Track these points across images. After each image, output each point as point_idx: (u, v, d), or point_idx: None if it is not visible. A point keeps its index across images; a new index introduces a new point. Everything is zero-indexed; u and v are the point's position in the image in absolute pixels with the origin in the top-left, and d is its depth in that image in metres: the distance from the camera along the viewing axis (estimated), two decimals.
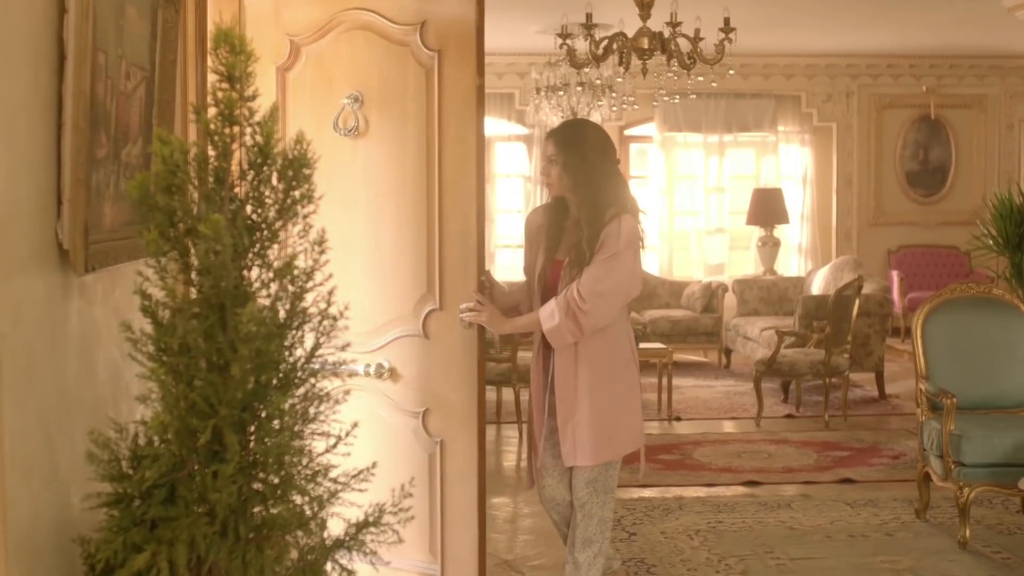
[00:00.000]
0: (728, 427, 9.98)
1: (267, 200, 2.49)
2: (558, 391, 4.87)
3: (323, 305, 2.54)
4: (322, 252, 2.52)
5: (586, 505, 4.94)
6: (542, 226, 5.02)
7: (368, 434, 4.83)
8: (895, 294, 13.83)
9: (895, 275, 14.61)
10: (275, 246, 2.53)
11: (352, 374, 4.66)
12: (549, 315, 4.75)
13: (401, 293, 4.82)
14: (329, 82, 4.92)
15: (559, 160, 4.85)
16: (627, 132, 15.51)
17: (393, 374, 4.81)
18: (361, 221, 4.83)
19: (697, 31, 9.35)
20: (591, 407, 4.84)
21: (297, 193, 2.49)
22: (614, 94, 11.68)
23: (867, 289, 10.91)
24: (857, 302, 10.20)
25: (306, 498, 2.48)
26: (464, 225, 4.76)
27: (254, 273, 2.47)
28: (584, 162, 4.82)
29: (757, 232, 14.51)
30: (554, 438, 4.95)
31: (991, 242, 10.18)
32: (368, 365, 4.74)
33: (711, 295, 13.12)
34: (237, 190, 2.49)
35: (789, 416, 10.32)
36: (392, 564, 4.82)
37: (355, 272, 4.75)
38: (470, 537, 4.79)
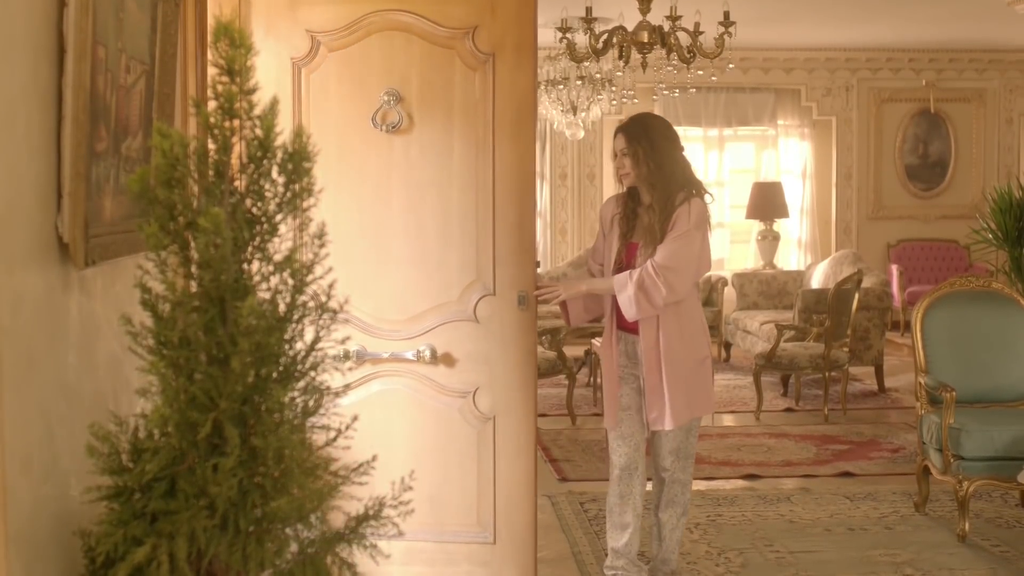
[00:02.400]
0: (728, 421, 9.98)
1: (267, 194, 2.49)
2: (645, 363, 5.27)
3: (322, 298, 2.54)
4: (322, 245, 2.52)
5: (671, 471, 5.43)
6: (616, 214, 5.44)
7: (408, 416, 5.09)
8: (894, 288, 13.83)
9: (894, 269, 14.62)
10: (275, 239, 2.53)
11: (399, 359, 5.11)
12: (623, 284, 5.17)
13: (447, 281, 5.10)
14: (359, 79, 5.08)
15: (630, 152, 5.28)
16: None
17: (444, 358, 5.12)
18: (400, 212, 5.08)
19: (697, 25, 9.35)
20: (673, 376, 5.25)
21: (297, 186, 2.49)
22: (614, 88, 11.69)
23: (866, 283, 10.91)
24: (856, 296, 10.20)
25: (306, 491, 2.48)
26: (520, 217, 5.11)
27: (254, 266, 2.48)
28: (653, 151, 5.25)
29: (757, 226, 14.51)
30: (631, 408, 5.37)
31: (990, 236, 10.19)
32: (421, 350, 5.08)
33: (711, 289, 13.11)
34: (237, 184, 2.49)
35: (788, 410, 10.32)
36: (445, 538, 5.10)
37: (394, 261, 5.03)
38: (526, 509, 5.16)
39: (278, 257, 2.49)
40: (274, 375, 2.44)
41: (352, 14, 5.14)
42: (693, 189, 5.28)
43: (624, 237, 5.38)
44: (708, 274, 13.68)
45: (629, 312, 5.17)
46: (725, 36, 9.21)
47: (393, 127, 5.08)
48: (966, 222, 13.28)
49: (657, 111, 14.74)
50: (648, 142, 5.26)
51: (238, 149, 2.50)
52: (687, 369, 5.30)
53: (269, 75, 4.88)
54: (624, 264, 5.33)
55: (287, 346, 2.48)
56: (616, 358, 5.41)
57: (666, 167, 5.24)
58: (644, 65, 9.72)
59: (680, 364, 5.28)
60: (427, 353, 5.09)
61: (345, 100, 5.14)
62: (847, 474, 7.92)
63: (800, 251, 15.32)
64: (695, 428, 5.47)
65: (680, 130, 15.65)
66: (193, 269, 2.45)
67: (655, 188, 5.25)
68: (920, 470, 6.90)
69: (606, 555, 5.59)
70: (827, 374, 10.08)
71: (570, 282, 5.31)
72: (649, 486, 5.58)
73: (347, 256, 5.00)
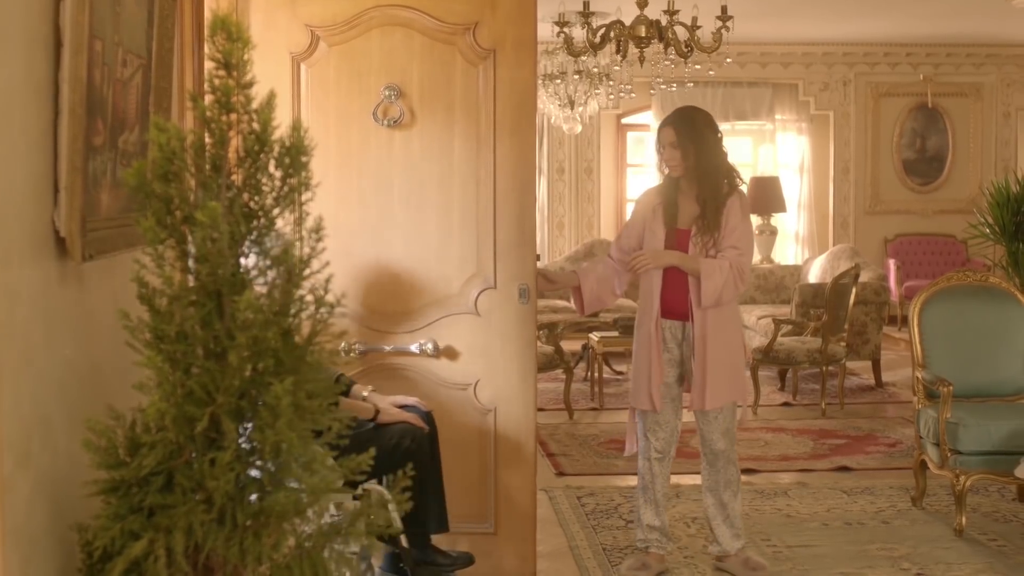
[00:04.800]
0: None
1: (264, 188, 2.49)
2: (697, 347, 5.49)
3: (319, 292, 2.54)
4: (319, 240, 2.52)
5: (725, 451, 5.71)
6: (658, 204, 5.59)
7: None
8: (892, 282, 13.83)
9: (892, 263, 14.62)
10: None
11: (402, 352, 5.21)
12: (716, 269, 5.43)
13: (448, 274, 5.16)
14: (359, 74, 5.13)
15: (680, 145, 5.48)
16: (624, 120, 15.53)
17: (446, 351, 5.23)
18: (400, 206, 5.11)
19: (694, 19, 9.34)
20: (721, 359, 5.54)
21: (294, 180, 2.49)
22: (611, 82, 11.69)
23: (864, 277, 10.91)
24: (854, 290, 10.21)
25: (303, 485, 2.48)
26: (521, 210, 5.20)
27: (251, 260, 2.47)
28: (701, 144, 5.50)
29: (754, 220, 14.51)
30: (672, 393, 5.65)
31: (988, 230, 10.18)
32: (423, 344, 5.20)
33: None
34: (234, 178, 2.49)
35: (786, 404, 10.33)
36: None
37: (395, 255, 5.07)
38: (526, 498, 5.30)
39: (275, 251, 2.49)
40: (271, 369, 2.44)
41: (352, 9, 5.17)
42: (735, 178, 5.63)
43: (669, 223, 5.54)
44: None
45: (712, 298, 5.44)
46: (722, 30, 9.21)
47: (394, 122, 5.13)
48: (963, 216, 13.30)
49: (655, 105, 14.76)
50: (697, 135, 5.51)
51: (235, 143, 2.49)
52: (731, 353, 5.61)
53: (267, 69, 4.90)
54: (679, 247, 5.51)
55: (284, 340, 2.48)
56: (660, 343, 5.58)
57: (712, 159, 5.52)
58: (641, 59, 9.71)
59: (726, 348, 5.57)
60: (429, 347, 5.14)
61: (345, 95, 5.18)
62: (844, 468, 7.92)
63: (798, 245, 15.32)
64: (737, 410, 5.78)
65: None
66: (190, 263, 2.45)
67: (703, 179, 5.49)
68: (917, 464, 6.91)
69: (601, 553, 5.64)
70: (824, 368, 10.08)
71: (659, 252, 5.50)
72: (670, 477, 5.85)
73: (347, 251, 5.03)
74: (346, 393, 4.94)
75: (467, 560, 5.07)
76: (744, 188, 5.66)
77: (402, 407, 4.96)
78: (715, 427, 5.65)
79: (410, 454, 4.74)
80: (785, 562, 5.91)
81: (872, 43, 14.97)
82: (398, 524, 4.59)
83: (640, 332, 5.64)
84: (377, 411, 4.80)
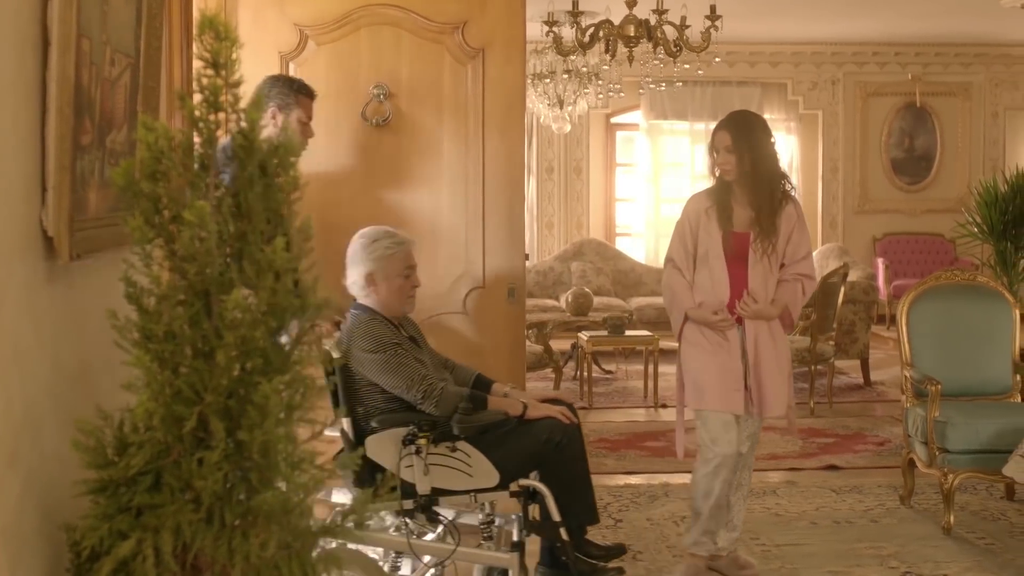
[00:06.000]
0: None
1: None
2: (764, 353, 5.48)
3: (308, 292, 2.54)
4: (307, 239, 2.52)
5: (746, 456, 5.66)
6: (711, 206, 5.50)
7: None
8: (880, 281, 13.86)
9: (880, 262, 14.65)
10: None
11: None
12: (801, 296, 5.57)
13: (437, 273, 5.14)
14: (347, 73, 5.13)
15: (735, 150, 5.39)
16: (613, 120, 15.53)
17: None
18: (389, 205, 5.08)
19: (683, 19, 9.35)
20: (782, 364, 5.57)
21: (281, 180, 2.49)
22: (600, 82, 11.70)
23: (852, 276, 10.93)
24: (842, 289, 10.22)
25: (291, 484, 2.48)
26: (510, 210, 5.17)
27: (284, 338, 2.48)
28: (757, 149, 5.42)
29: None
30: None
31: (976, 230, 10.20)
32: None
33: None
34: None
35: None
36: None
37: None
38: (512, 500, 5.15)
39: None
40: (260, 368, 2.43)
41: (341, 8, 5.18)
42: (786, 183, 5.57)
43: (724, 226, 5.48)
44: None
45: (798, 314, 5.69)
46: (711, 30, 9.22)
47: (383, 121, 5.14)
48: (952, 216, 13.32)
49: (643, 104, 14.79)
50: (754, 140, 5.44)
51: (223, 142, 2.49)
52: (784, 358, 5.63)
53: (256, 69, 4.90)
54: (735, 251, 5.47)
55: (272, 339, 2.48)
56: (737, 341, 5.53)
57: (768, 164, 5.46)
58: (631, 59, 9.72)
59: (783, 354, 5.61)
60: None
61: (333, 94, 5.18)
62: (833, 467, 7.94)
63: None
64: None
65: (666, 124, 15.73)
66: (178, 262, 2.45)
67: (757, 184, 5.43)
68: (905, 463, 6.92)
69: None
70: (813, 367, 10.10)
71: (762, 308, 5.47)
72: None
73: (336, 249, 5.03)
74: (487, 390, 4.95)
75: (620, 551, 5.07)
76: (794, 193, 5.62)
77: (546, 401, 4.96)
78: (743, 430, 5.59)
79: (561, 449, 4.75)
80: (774, 561, 5.92)
81: (861, 42, 15.00)
82: (556, 517, 4.66)
83: (706, 331, 5.50)
84: (525, 407, 4.80)
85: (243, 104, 2.49)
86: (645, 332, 11.04)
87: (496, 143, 5.18)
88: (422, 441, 4.51)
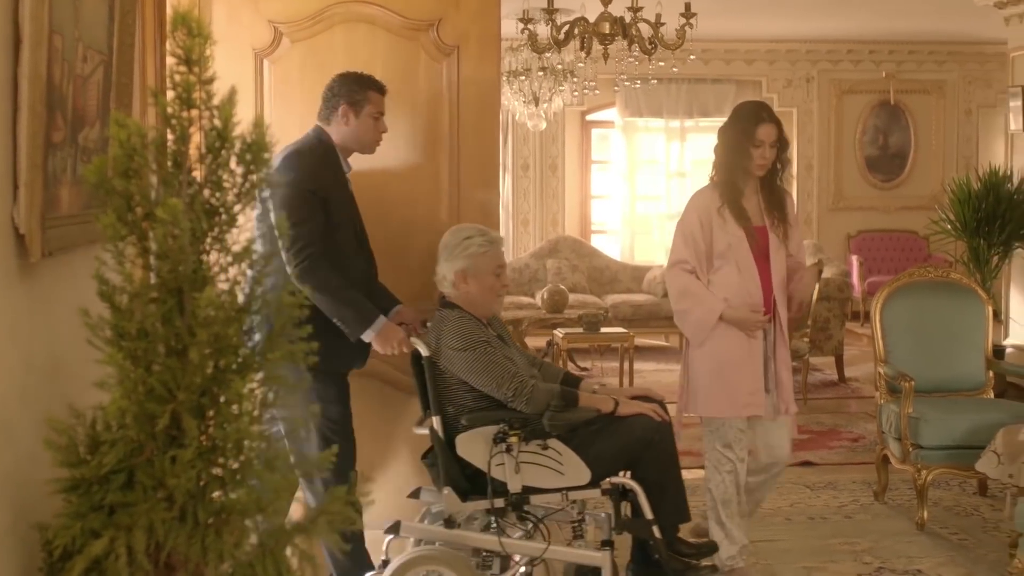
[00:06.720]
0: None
1: (225, 184, 2.48)
2: (781, 358, 5.53)
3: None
4: (281, 236, 2.51)
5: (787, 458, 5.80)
6: (721, 205, 5.44)
7: (372, 409, 5.08)
8: (854, 278, 13.92)
9: (854, 259, 14.71)
10: (234, 230, 2.52)
11: None
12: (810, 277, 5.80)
13: (411, 271, 5.05)
14: (323, 70, 5.12)
15: (776, 143, 5.43)
16: (588, 117, 15.55)
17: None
18: (363, 203, 5.04)
19: (658, 16, 9.36)
20: (789, 366, 5.63)
21: (255, 177, 2.48)
22: (575, 79, 11.71)
23: (827, 273, 10.97)
24: (817, 286, 10.25)
25: (265, 483, 2.47)
26: (485, 207, 5.12)
27: (212, 257, 2.46)
28: (784, 143, 5.50)
29: None
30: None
31: (949, 227, 10.27)
32: None
33: None
34: (195, 174, 2.48)
35: None
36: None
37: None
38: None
39: (237, 248, 2.48)
40: (233, 366, 2.43)
41: (316, 5, 5.16)
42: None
43: (743, 221, 5.44)
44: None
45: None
46: (686, 27, 9.24)
47: None
48: (925, 213, 13.39)
49: (619, 102, 14.81)
50: (781, 134, 5.50)
51: (196, 139, 2.48)
52: (790, 357, 5.65)
53: (230, 65, 4.88)
54: (760, 243, 5.45)
55: (246, 337, 2.47)
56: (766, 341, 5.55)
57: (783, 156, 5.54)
58: (606, 56, 9.73)
59: (788, 353, 5.63)
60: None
61: (308, 91, 5.15)
62: (807, 463, 7.96)
63: None
64: None
65: (641, 121, 15.72)
66: (151, 260, 2.44)
67: (772, 177, 5.49)
68: (879, 459, 6.95)
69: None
70: None
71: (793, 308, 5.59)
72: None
73: None
74: (575, 387, 4.94)
75: (711, 549, 5.04)
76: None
77: (636, 398, 4.94)
78: (786, 433, 5.64)
79: (654, 447, 4.72)
80: (749, 557, 5.93)
81: (835, 40, 15.05)
82: (649, 515, 4.64)
83: (730, 332, 5.44)
84: (616, 404, 4.77)
85: (216, 101, 2.48)
86: (620, 329, 11.05)
87: (471, 141, 5.17)
88: (513, 439, 4.48)
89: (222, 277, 2.48)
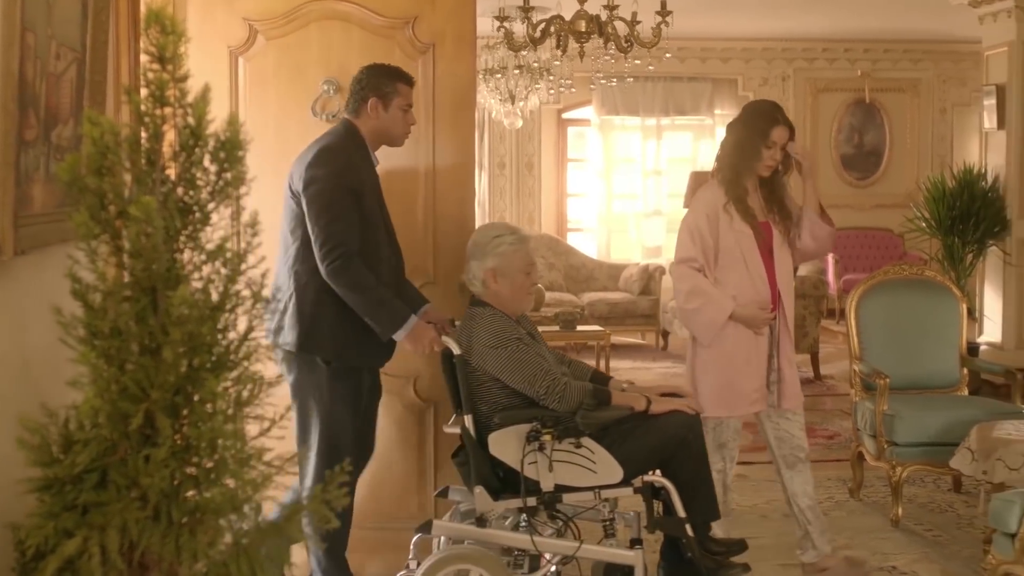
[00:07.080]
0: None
1: (199, 182, 2.47)
2: (787, 342, 5.52)
3: (256, 287, 2.52)
4: (255, 234, 2.50)
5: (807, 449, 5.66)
6: (726, 203, 5.42)
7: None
8: (830, 276, 13.95)
9: (830, 257, 14.73)
10: (208, 228, 2.51)
11: None
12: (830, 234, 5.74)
13: None
14: (298, 68, 5.11)
15: (787, 144, 5.43)
16: (565, 115, 15.55)
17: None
18: None
19: (634, 14, 9.36)
20: (793, 361, 5.58)
21: (229, 175, 2.47)
22: (552, 77, 11.71)
23: (802, 271, 11.00)
24: (792, 284, 10.27)
25: (240, 482, 2.47)
26: (460, 205, 5.17)
27: (186, 255, 2.45)
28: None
29: None
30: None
31: (924, 224, 10.33)
32: None
33: (648, 277, 13.15)
34: (169, 172, 2.47)
35: None
36: (384, 524, 5.17)
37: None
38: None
39: (211, 246, 2.47)
40: (207, 365, 2.42)
41: (291, 3, 5.16)
42: None
43: (749, 219, 5.43)
44: (646, 263, 13.79)
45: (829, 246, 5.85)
46: (662, 25, 9.24)
47: (333, 116, 5.12)
48: (900, 211, 13.45)
49: (595, 100, 14.82)
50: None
51: (170, 137, 2.47)
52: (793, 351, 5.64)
53: (204, 63, 4.87)
54: (767, 242, 5.46)
55: (220, 335, 2.46)
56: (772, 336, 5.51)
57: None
58: (582, 54, 9.72)
59: (792, 346, 5.61)
60: None
61: (283, 89, 5.16)
62: None
63: None
64: None
65: (617, 119, 15.70)
66: (124, 258, 2.43)
67: (776, 174, 5.50)
68: (854, 456, 6.98)
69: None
70: None
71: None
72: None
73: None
74: (604, 385, 4.91)
75: (741, 546, 4.97)
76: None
77: (665, 395, 4.92)
78: (797, 424, 5.57)
79: (687, 444, 4.70)
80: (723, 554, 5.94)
81: (811, 39, 15.09)
82: (682, 513, 4.61)
83: (738, 331, 5.40)
84: (649, 401, 4.76)
85: (190, 98, 2.47)
86: (597, 327, 11.06)
87: (447, 139, 5.17)
88: (546, 437, 4.45)
89: (196, 275, 2.47)
